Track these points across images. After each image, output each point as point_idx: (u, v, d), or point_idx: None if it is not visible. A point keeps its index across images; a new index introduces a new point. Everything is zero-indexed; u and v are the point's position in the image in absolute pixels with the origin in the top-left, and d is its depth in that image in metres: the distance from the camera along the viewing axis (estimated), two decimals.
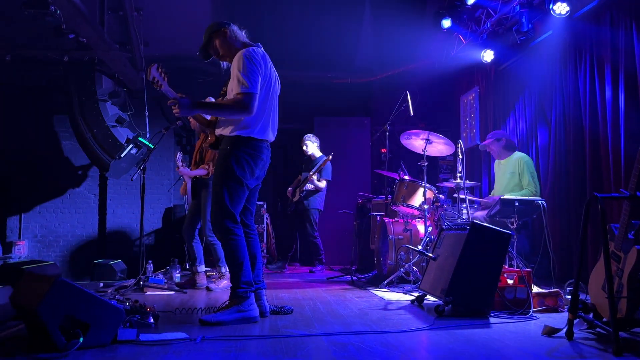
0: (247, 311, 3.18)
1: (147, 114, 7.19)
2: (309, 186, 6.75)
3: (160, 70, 3.14)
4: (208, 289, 4.96)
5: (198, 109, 3.30)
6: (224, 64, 3.51)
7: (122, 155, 6.89)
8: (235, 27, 3.41)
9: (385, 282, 4.90)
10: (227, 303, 3.22)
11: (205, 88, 8.19)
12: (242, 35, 3.43)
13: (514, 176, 5.34)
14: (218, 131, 3.36)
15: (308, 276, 6.38)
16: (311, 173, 6.67)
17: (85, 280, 7.05)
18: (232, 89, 3.24)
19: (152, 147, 5.38)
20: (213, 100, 3.67)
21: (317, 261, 6.85)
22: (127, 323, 2.72)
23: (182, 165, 5.28)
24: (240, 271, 3.22)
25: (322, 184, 6.84)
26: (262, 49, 3.39)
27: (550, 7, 5.12)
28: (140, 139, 6.50)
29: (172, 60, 8.15)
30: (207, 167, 5.12)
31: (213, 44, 3.43)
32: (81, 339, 2.38)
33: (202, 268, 5.21)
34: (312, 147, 6.97)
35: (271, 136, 3.40)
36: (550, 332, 2.75)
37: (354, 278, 5.53)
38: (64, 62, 7.05)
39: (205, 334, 2.78)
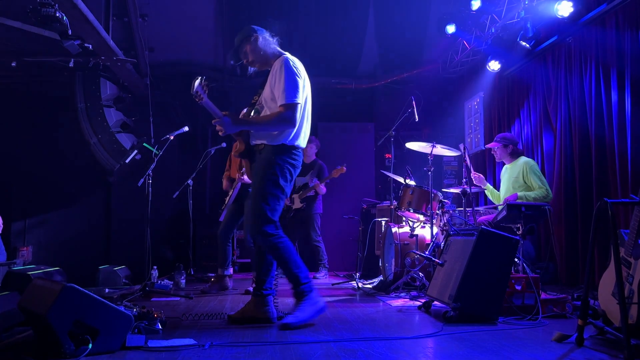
0: (317, 303, 3.27)
1: (151, 119, 7.19)
2: (310, 191, 6.70)
3: (204, 84, 3.19)
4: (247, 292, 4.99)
5: (242, 125, 3.33)
6: (251, 69, 3.53)
7: (127, 161, 6.91)
8: (267, 34, 3.44)
9: (392, 288, 4.88)
10: (297, 302, 3.27)
11: (209, 94, 8.21)
12: (273, 42, 3.45)
13: (517, 180, 5.33)
14: (256, 140, 3.37)
15: (313, 282, 6.36)
16: (319, 182, 6.60)
17: (89, 286, 7.04)
18: (273, 98, 3.27)
19: (158, 152, 5.39)
20: (245, 110, 3.68)
21: (320, 266, 6.82)
22: (135, 329, 2.71)
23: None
24: (297, 270, 3.28)
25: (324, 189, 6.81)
26: (294, 57, 3.41)
27: (555, 8, 5.13)
28: (144, 144, 6.51)
29: (176, 66, 8.17)
30: None
31: (244, 49, 3.44)
32: (90, 345, 2.37)
33: (229, 271, 5.27)
34: (307, 150, 6.91)
35: (305, 144, 3.45)
36: (560, 338, 2.73)
37: (360, 284, 5.51)
38: (69, 67, 7.07)
39: (213, 340, 2.77)
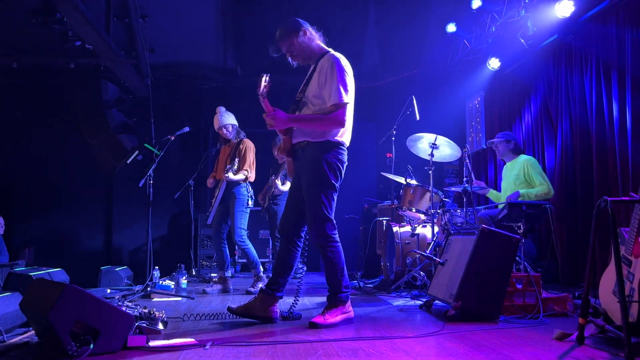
0: (348, 312, 3.30)
1: (152, 120, 7.19)
2: (277, 190, 6.51)
3: (268, 82, 3.23)
4: (248, 292, 5.04)
5: (293, 122, 3.31)
6: (295, 63, 3.49)
7: (128, 162, 6.91)
8: (313, 29, 3.43)
9: (393, 287, 4.89)
10: (331, 305, 3.27)
11: (210, 95, 8.21)
12: (318, 37, 3.44)
13: (518, 178, 5.33)
14: (299, 138, 3.34)
15: (314, 281, 6.37)
16: (273, 177, 6.44)
17: (91, 287, 7.06)
18: (319, 95, 3.25)
19: (159, 153, 5.39)
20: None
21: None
22: (136, 329, 2.71)
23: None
24: (342, 277, 3.29)
25: (286, 187, 6.44)
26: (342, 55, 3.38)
27: (555, 8, 5.13)
28: (146, 145, 6.52)
29: (178, 67, 8.18)
30: (246, 172, 5.25)
31: (290, 41, 3.38)
32: (92, 345, 2.37)
33: (229, 273, 5.30)
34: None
35: (349, 141, 3.43)
36: (561, 336, 2.73)
37: (361, 283, 5.51)
38: (70, 69, 7.09)
39: (214, 339, 2.77)
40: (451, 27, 6.73)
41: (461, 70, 7.88)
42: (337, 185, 3.31)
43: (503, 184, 5.61)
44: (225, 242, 5.34)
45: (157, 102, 7.34)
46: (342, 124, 3.22)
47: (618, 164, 4.66)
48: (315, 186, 3.26)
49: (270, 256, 7.16)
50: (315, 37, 3.42)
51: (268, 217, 6.73)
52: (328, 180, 3.25)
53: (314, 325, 3.13)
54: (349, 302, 3.32)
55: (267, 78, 3.24)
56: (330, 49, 3.42)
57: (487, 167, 7.30)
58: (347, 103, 3.21)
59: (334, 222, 3.31)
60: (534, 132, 6.25)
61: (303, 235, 3.49)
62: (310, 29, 3.42)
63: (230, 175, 5.11)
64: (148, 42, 7.05)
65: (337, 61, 3.25)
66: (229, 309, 3.43)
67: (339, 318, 3.23)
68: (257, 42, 3.50)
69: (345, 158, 3.38)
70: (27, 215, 8.29)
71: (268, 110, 3.27)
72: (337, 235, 3.33)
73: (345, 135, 3.35)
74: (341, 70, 3.22)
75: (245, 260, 6.48)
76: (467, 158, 4.86)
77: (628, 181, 4.53)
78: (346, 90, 3.21)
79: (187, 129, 5.60)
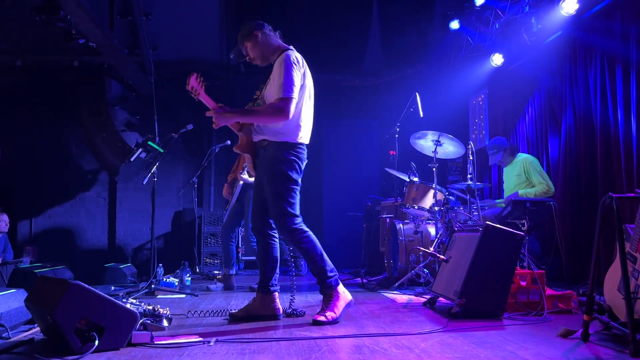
0: (344, 297, 3.30)
1: (156, 117, 7.21)
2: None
3: (199, 79, 3.23)
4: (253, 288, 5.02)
5: (237, 117, 3.32)
6: (258, 64, 3.51)
7: (132, 160, 6.92)
8: (267, 30, 3.42)
9: (396, 284, 4.89)
10: (326, 298, 3.28)
11: (213, 92, 8.22)
12: (275, 37, 3.45)
13: (519, 177, 5.33)
14: (259, 137, 3.37)
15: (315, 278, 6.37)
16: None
17: (95, 284, 7.08)
18: (273, 94, 3.26)
19: (162, 151, 5.40)
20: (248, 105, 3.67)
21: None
22: (141, 326, 2.72)
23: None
24: (323, 263, 3.29)
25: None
26: (296, 51, 3.40)
27: (560, 5, 5.11)
28: (149, 142, 6.51)
29: (181, 65, 8.19)
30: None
31: (246, 45, 3.43)
32: (96, 342, 2.38)
33: (233, 271, 5.32)
34: None
35: (308, 140, 3.44)
36: (565, 333, 2.73)
37: (364, 280, 5.52)
38: (73, 66, 7.10)
39: (218, 336, 2.78)
40: (455, 25, 6.71)
41: (465, 68, 7.85)
42: (298, 180, 3.32)
43: (505, 185, 5.62)
44: (234, 241, 5.35)
45: (160, 100, 7.36)
46: (284, 115, 3.18)
47: (622, 160, 4.64)
48: (277, 185, 3.27)
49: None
50: (272, 37, 3.42)
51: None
52: (289, 177, 3.27)
53: (317, 323, 3.13)
54: (340, 286, 3.33)
55: (197, 77, 3.23)
56: (290, 47, 3.42)
57: (492, 165, 7.28)
58: (292, 98, 3.19)
59: (299, 215, 3.31)
60: (538, 128, 6.23)
61: (274, 226, 3.49)
62: (267, 30, 3.42)
63: (245, 176, 5.17)
64: (151, 39, 7.06)
65: (286, 58, 3.25)
66: (231, 316, 3.42)
67: (339, 308, 3.23)
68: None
69: (305, 157, 3.39)
70: (32, 212, 8.31)
71: (211, 106, 3.26)
72: (304, 225, 3.32)
73: (304, 137, 3.36)
74: (288, 67, 3.21)
75: (249, 258, 6.47)
76: (471, 155, 4.85)
77: (633, 177, 4.51)
78: (291, 85, 3.20)
79: (190, 126, 5.61)
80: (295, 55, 3.32)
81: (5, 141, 8.28)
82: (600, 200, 2.61)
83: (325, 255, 3.33)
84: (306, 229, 3.32)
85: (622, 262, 2.50)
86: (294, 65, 3.24)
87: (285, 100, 3.18)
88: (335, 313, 3.21)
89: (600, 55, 5.07)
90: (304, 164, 3.40)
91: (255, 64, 3.50)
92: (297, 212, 3.31)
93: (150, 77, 7.29)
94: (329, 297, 3.28)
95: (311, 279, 6.33)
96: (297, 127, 3.31)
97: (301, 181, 3.38)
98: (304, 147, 3.39)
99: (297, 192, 3.34)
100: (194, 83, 3.23)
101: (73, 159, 8.42)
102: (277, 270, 3.52)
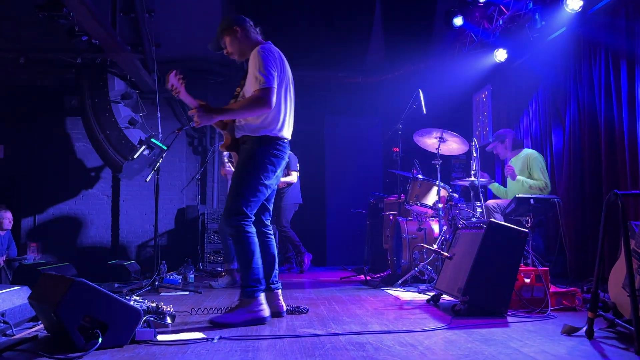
0: (256, 312, 3.13)
1: (159, 115, 7.22)
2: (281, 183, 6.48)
3: (178, 77, 3.18)
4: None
5: (219, 115, 3.26)
6: (236, 59, 3.49)
7: (135, 157, 6.91)
8: (248, 25, 3.40)
9: (400, 281, 4.88)
10: (237, 303, 3.20)
11: (217, 89, 8.22)
12: (253, 33, 3.41)
13: (522, 173, 5.32)
14: (240, 133, 3.33)
15: (320, 276, 6.38)
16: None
17: (98, 281, 7.09)
18: (250, 88, 3.21)
19: (165, 148, 5.40)
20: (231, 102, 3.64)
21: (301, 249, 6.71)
22: (144, 323, 2.72)
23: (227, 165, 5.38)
24: (249, 269, 3.17)
25: (289, 179, 6.51)
26: (273, 46, 3.37)
27: (564, 1, 5.08)
28: (152, 140, 6.51)
29: (184, 62, 8.17)
30: None
31: (224, 39, 3.41)
32: (100, 339, 2.38)
33: (235, 265, 5.29)
34: None
35: (290, 135, 3.39)
36: (570, 330, 2.72)
37: (368, 277, 5.51)
38: (76, 64, 7.10)
39: (222, 333, 2.78)
40: (458, 21, 6.67)
41: (468, 64, 7.82)
42: (266, 181, 3.23)
43: (508, 181, 5.59)
44: None
45: (163, 97, 7.36)
46: (266, 105, 3.11)
47: (627, 156, 4.62)
48: (241, 178, 3.21)
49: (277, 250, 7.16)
50: (250, 32, 3.39)
51: (274, 211, 6.74)
52: (257, 174, 3.19)
53: (212, 323, 3.04)
54: (257, 300, 3.15)
55: (176, 74, 3.18)
56: (267, 43, 3.37)
57: (495, 162, 7.26)
58: (272, 87, 3.13)
59: (251, 216, 3.21)
60: (542, 125, 6.21)
61: (268, 222, 3.47)
62: (247, 25, 3.39)
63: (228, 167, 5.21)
64: (154, 36, 7.05)
65: (260, 50, 3.20)
66: None
67: (241, 317, 3.07)
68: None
69: (284, 153, 3.32)
70: (35, 209, 8.33)
71: (192, 105, 3.21)
72: (252, 227, 3.22)
73: (284, 130, 3.30)
74: (263, 57, 3.16)
75: None
76: (475, 152, 4.84)
77: (637, 175, 4.49)
78: (270, 76, 3.13)
79: (193, 123, 5.59)
80: (270, 47, 3.28)
81: (8, 138, 8.30)
82: (605, 197, 2.60)
83: (257, 265, 3.19)
84: (252, 230, 3.21)
85: (627, 260, 2.49)
86: (270, 55, 3.19)
87: (264, 90, 3.11)
88: (233, 319, 3.06)
89: (604, 52, 5.04)
90: (282, 162, 3.32)
91: (232, 59, 3.47)
92: (252, 211, 3.21)
93: (153, 75, 7.29)
94: (241, 305, 3.15)
95: (314, 276, 6.34)
96: (275, 121, 3.24)
97: (275, 178, 3.29)
98: (284, 144, 3.32)
99: (262, 192, 3.23)
100: (173, 81, 3.17)
101: (76, 156, 8.42)
102: (277, 267, 3.48)
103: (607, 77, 4.99)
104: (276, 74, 3.20)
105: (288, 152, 3.39)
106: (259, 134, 3.24)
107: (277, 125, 3.26)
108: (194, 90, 3.33)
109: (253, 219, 3.26)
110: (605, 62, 5.03)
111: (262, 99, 3.11)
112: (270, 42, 3.41)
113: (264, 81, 3.12)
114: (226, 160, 5.74)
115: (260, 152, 3.22)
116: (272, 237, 3.51)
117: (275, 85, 3.18)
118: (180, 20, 7.56)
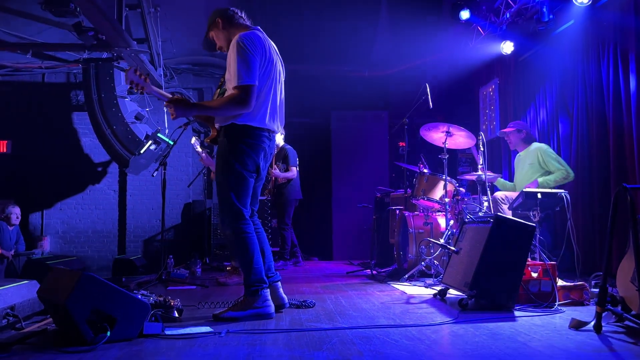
0: (262, 307, 3.10)
1: (165, 110, 7.23)
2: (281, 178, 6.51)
3: (138, 73, 3.07)
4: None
5: (194, 109, 3.15)
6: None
7: (142, 152, 6.95)
8: (229, 13, 3.25)
9: (406, 276, 4.88)
10: (241, 299, 3.17)
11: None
12: (240, 19, 3.26)
13: (532, 166, 5.28)
14: (218, 124, 3.21)
15: (327, 270, 6.39)
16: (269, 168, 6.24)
17: (106, 276, 7.13)
18: (229, 84, 3.09)
19: (172, 143, 5.41)
20: (216, 92, 3.57)
21: (278, 255, 6.63)
22: (152, 317, 2.73)
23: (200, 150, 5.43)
24: (251, 269, 3.12)
25: (292, 173, 6.52)
26: (262, 32, 3.22)
27: None
28: (159, 135, 6.53)
29: (190, 56, 8.18)
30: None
31: (212, 33, 3.30)
32: (109, 333, 2.40)
33: None
34: (278, 137, 6.51)
35: (274, 126, 3.21)
36: (577, 325, 2.71)
37: (374, 272, 5.51)
38: (83, 59, 7.12)
39: (229, 327, 2.78)
40: (465, 14, 6.63)
41: (475, 58, 7.78)
42: (245, 173, 3.08)
43: (516, 174, 5.56)
44: None
45: (169, 92, 7.35)
46: (245, 105, 2.97)
47: (635, 150, 4.59)
48: (221, 174, 3.11)
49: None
50: (234, 21, 3.24)
51: (276, 207, 6.75)
52: (233, 167, 3.06)
53: (215, 318, 3.04)
54: (263, 297, 3.10)
55: (135, 70, 3.08)
56: (255, 28, 3.21)
57: (502, 156, 7.23)
58: (250, 85, 2.97)
59: (245, 212, 3.11)
60: (549, 119, 6.17)
61: (254, 211, 3.38)
62: (230, 13, 3.25)
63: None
64: (160, 31, 7.06)
65: (238, 39, 3.03)
66: None
67: (246, 312, 3.05)
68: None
69: (266, 144, 3.16)
70: (43, 204, 8.38)
71: (166, 99, 3.12)
72: (250, 226, 3.14)
73: (258, 118, 3.09)
74: (241, 50, 2.99)
75: None
76: (482, 146, 4.82)
77: None
78: (247, 71, 2.97)
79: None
80: (250, 34, 3.08)
81: (15, 134, 8.34)
82: (613, 191, 2.59)
83: (258, 264, 3.14)
84: (249, 230, 3.13)
85: (636, 254, 2.47)
86: (248, 46, 3.01)
87: (243, 88, 2.97)
88: (237, 314, 3.04)
89: (613, 46, 5.00)
90: (262, 152, 3.16)
91: (225, 52, 3.28)
92: (244, 206, 3.11)
93: (160, 70, 7.30)
94: (245, 301, 3.11)
95: (321, 270, 6.34)
96: (257, 110, 3.09)
97: (259, 169, 3.17)
98: (261, 133, 3.13)
99: (246, 185, 3.11)
100: (132, 77, 3.06)
101: (83, 152, 8.47)
102: (271, 259, 3.39)
103: (615, 71, 4.96)
104: (257, 65, 3.04)
105: (269, 141, 3.21)
106: (228, 123, 3.09)
107: (251, 114, 3.07)
108: (201, 84, 3.32)
109: (249, 213, 3.19)
110: (613, 56, 4.99)
111: (241, 99, 2.97)
112: (258, 27, 3.25)
113: (244, 77, 2.98)
114: (199, 148, 5.65)
115: (232, 143, 3.08)
116: (261, 229, 3.38)
117: (256, 81, 3.03)
118: (186, 15, 7.56)
